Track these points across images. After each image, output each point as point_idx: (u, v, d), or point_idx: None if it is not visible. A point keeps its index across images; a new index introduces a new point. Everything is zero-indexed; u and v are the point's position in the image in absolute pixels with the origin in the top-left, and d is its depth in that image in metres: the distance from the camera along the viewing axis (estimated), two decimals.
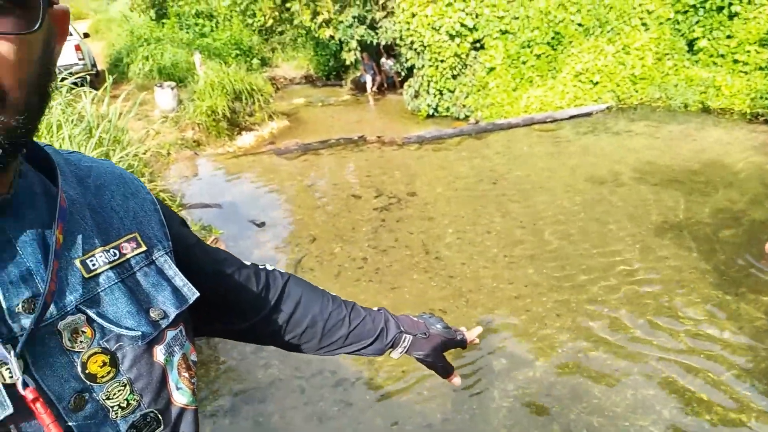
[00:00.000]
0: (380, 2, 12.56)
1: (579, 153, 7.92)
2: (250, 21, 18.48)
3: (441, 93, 11.11)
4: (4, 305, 0.52)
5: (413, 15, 10.89)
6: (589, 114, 9.58)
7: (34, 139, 0.58)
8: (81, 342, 0.56)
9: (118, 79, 12.54)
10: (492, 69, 10.53)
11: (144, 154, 5.85)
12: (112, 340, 0.58)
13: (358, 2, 12.69)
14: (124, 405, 0.59)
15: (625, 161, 7.29)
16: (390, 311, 1.04)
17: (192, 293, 0.67)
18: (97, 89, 5.96)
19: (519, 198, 6.41)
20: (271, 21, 17.50)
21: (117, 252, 0.62)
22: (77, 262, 0.58)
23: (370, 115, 12.52)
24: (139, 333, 0.59)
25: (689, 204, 5.83)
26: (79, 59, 12.26)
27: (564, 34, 10.22)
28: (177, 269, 0.67)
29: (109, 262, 0.60)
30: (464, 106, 10.85)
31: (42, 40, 0.52)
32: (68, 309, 0.56)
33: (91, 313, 0.57)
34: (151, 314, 0.62)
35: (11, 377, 0.50)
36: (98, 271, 0.59)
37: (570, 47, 10.28)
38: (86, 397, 0.55)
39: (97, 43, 17.64)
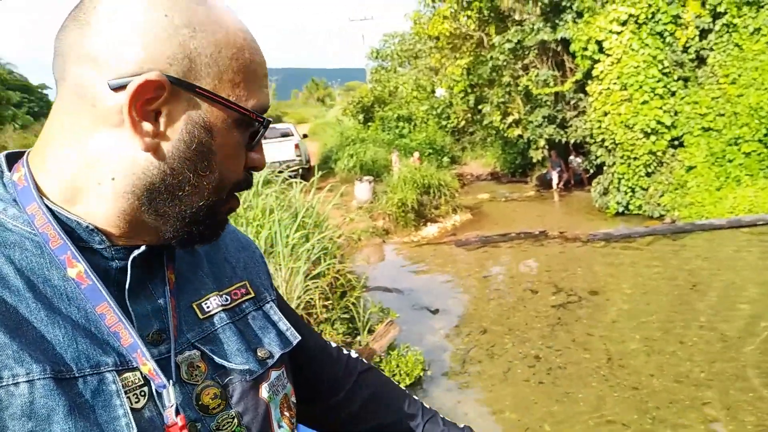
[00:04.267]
0: (571, 102, 12.66)
1: None
2: (444, 123, 19.98)
3: (633, 190, 10.56)
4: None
5: (605, 113, 10.77)
6: None
7: None
8: (196, 375, 0.60)
9: (327, 173, 14.38)
10: (692, 167, 9.77)
11: (338, 238, 6.57)
12: (223, 375, 0.62)
13: (548, 103, 12.96)
14: None
15: None
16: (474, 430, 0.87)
17: (294, 337, 0.71)
18: (308, 181, 6.97)
19: (722, 307, 5.68)
20: (463, 122, 18.70)
21: (229, 297, 0.68)
22: (194, 306, 0.65)
23: (554, 210, 12.34)
24: (247, 368, 0.64)
25: None
26: (297, 156, 15.04)
27: None
28: (281, 315, 0.73)
29: (222, 305, 0.67)
30: (659, 204, 10.13)
31: None
32: (186, 345, 0.61)
33: (205, 349, 0.62)
34: (259, 353, 0.66)
35: (137, 402, 0.54)
36: (212, 312, 0.65)
37: None
38: (199, 427, 0.59)
39: (314, 142, 20.63)
